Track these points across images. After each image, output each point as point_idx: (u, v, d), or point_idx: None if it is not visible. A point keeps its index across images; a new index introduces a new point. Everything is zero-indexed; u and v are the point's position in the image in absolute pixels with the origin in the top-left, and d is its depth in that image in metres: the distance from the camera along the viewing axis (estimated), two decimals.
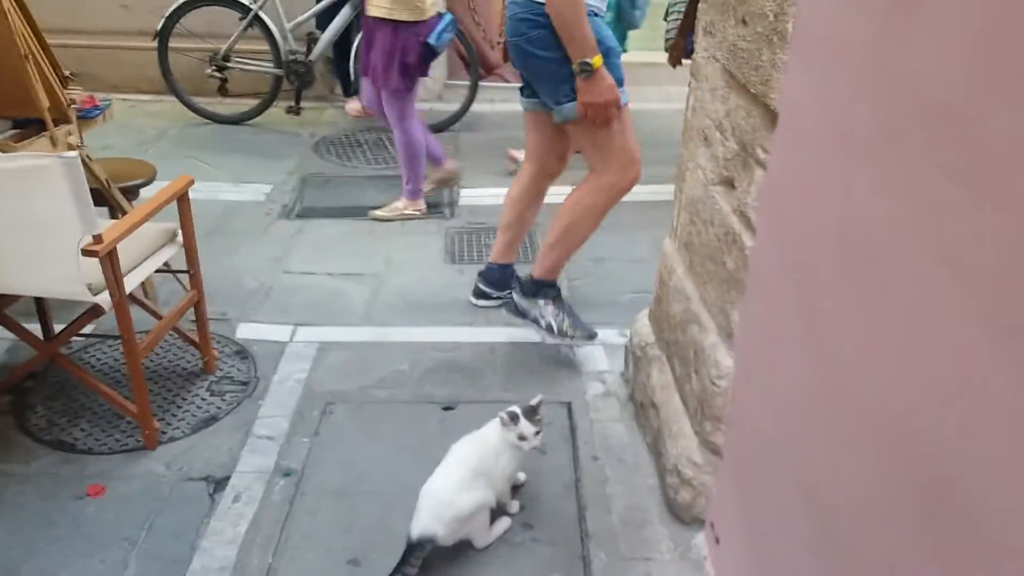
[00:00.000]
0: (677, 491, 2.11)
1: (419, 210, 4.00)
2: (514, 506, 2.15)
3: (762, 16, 1.65)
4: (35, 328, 2.48)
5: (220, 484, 2.26)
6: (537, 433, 2.04)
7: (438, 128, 4.86)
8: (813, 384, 1.43)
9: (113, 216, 2.79)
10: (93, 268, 2.08)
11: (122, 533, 2.09)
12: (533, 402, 2.09)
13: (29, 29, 2.39)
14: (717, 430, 1.96)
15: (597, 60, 2.38)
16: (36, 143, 2.50)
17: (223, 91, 4.92)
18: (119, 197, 2.80)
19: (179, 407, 2.56)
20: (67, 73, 2.53)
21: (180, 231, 2.44)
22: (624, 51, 4.37)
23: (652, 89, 5.24)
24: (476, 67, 4.82)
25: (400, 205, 3.98)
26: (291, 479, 2.28)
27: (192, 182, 2.40)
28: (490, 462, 2.02)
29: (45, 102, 2.43)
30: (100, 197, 2.68)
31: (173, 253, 2.45)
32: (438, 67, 5.02)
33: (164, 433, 2.43)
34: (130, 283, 2.20)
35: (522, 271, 2.96)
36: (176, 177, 2.39)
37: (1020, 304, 0.91)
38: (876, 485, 1.22)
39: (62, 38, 4.04)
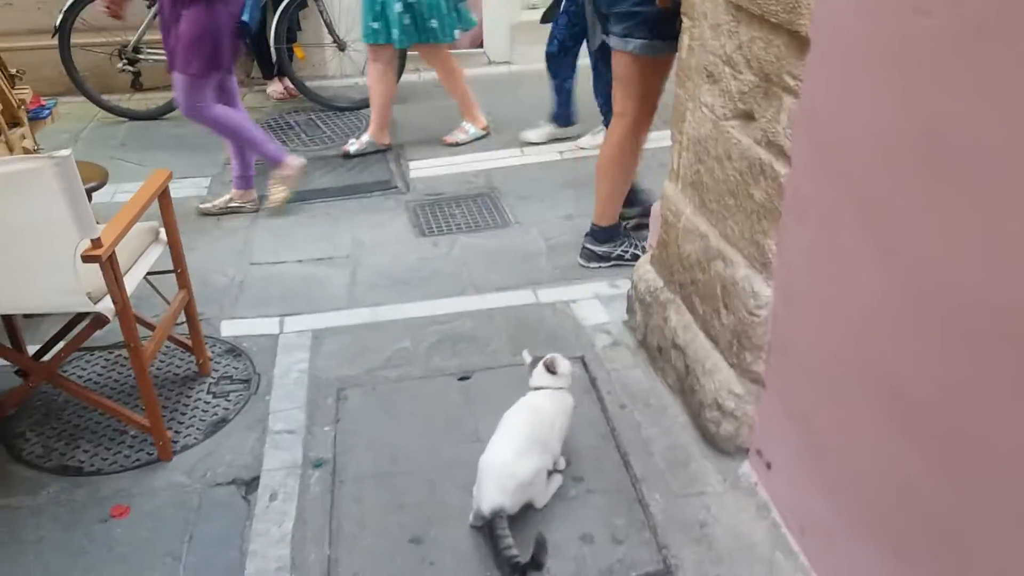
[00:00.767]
0: (719, 424, 2.15)
1: (249, 201, 3.69)
2: (561, 462, 2.15)
3: None
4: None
5: (251, 485, 2.17)
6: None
7: (368, 104, 4.68)
8: (892, 294, 1.48)
9: None
10: (91, 275, 1.94)
11: (163, 549, 1.98)
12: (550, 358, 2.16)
13: None
14: (758, 359, 2.01)
15: None
16: None
17: (137, 85, 4.64)
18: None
19: (183, 414, 2.43)
20: (13, 71, 2.32)
21: (163, 229, 2.30)
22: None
23: None
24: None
25: (227, 196, 3.69)
26: (324, 469, 2.21)
27: (171, 175, 2.26)
28: (546, 430, 2.02)
29: None
30: None
31: (160, 253, 2.31)
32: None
33: (175, 442, 2.31)
34: (127, 288, 2.06)
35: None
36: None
37: None
38: (974, 372, 1.27)
39: None
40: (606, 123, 3.96)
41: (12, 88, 2.31)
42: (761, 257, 1.94)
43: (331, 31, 4.81)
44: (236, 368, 2.62)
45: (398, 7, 3.84)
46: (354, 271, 3.21)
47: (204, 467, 2.24)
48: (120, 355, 2.64)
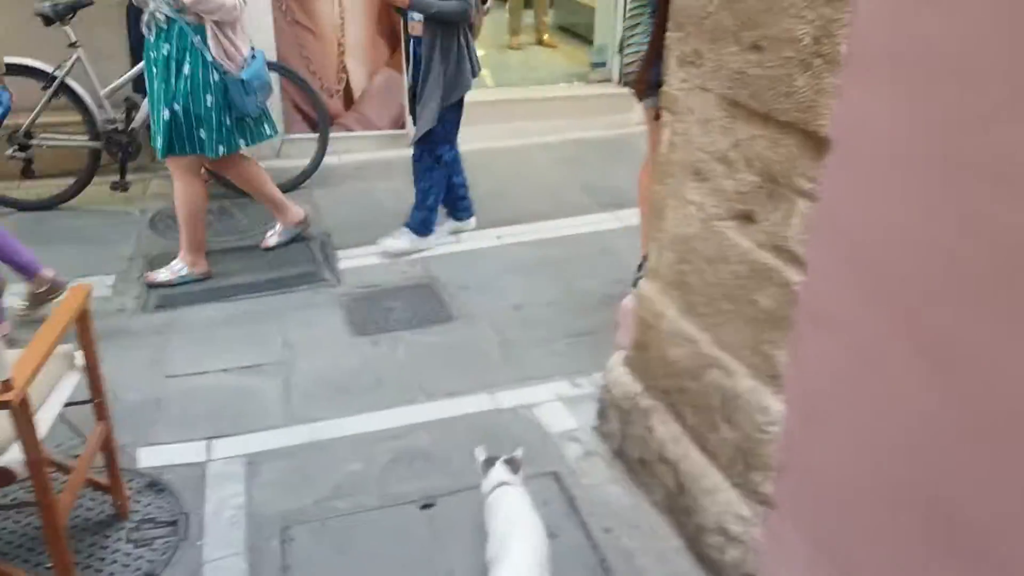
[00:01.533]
0: (723, 550, 1.95)
1: (46, 283, 3.17)
2: None
3: (792, 40, 1.55)
4: None
5: None
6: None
7: (287, 188, 4.39)
8: (945, 410, 1.33)
9: None
10: None
11: None
12: (516, 455, 2.11)
13: None
14: (767, 480, 1.83)
15: None
16: None
17: (28, 173, 4.21)
18: None
19: (99, 571, 2.04)
20: None
21: (78, 353, 1.96)
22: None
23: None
24: (326, 118, 4.48)
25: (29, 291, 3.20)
26: None
27: (90, 291, 1.94)
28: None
29: None
30: None
31: (76, 382, 1.96)
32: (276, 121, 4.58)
33: None
34: (40, 430, 1.71)
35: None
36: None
37: None
38: None
39: None
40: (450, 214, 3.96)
41: None
42: (769, 369, 1.78)
43: None
44: (160, 507, 2.25)
45: (165, 114, 3.32)
46: (287, 379, 2.89)
47: None
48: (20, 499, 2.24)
